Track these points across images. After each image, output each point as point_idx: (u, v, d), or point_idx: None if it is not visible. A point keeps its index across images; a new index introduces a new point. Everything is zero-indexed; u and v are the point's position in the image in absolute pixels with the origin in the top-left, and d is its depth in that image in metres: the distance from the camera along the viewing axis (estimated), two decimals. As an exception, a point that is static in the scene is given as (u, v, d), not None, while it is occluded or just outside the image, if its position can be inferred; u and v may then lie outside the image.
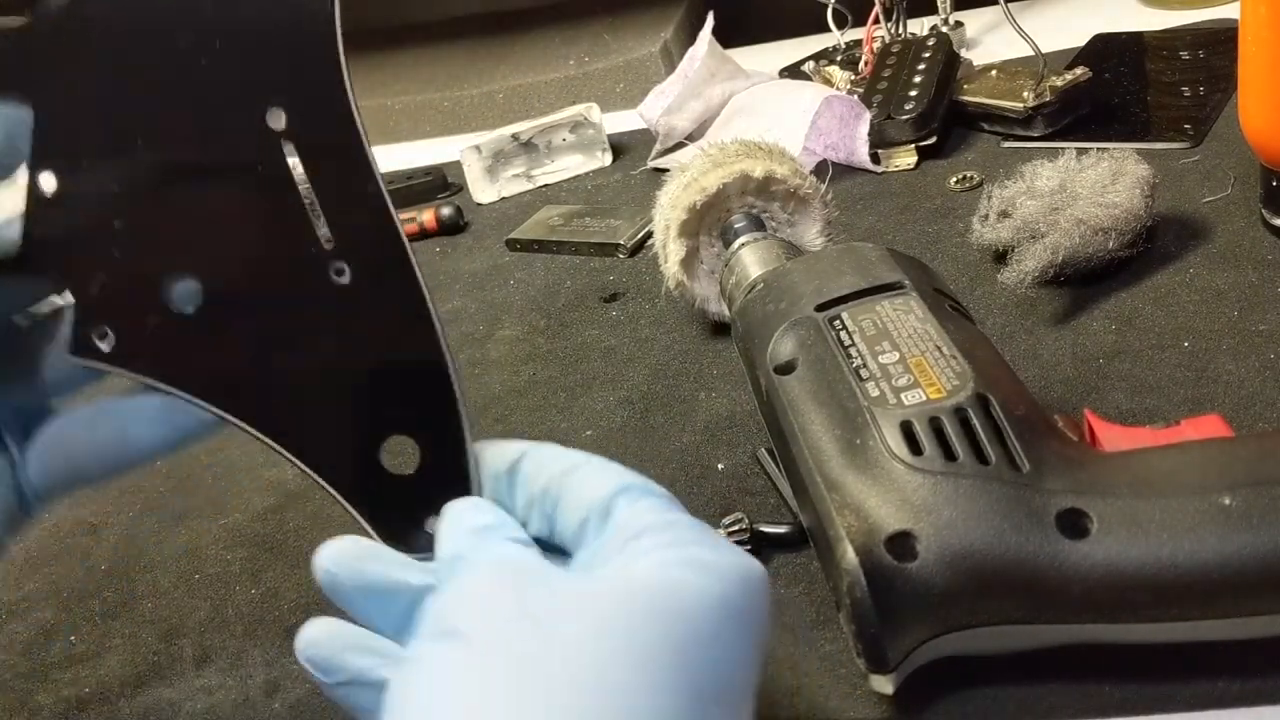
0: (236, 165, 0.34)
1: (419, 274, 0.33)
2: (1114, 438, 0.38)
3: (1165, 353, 0.49)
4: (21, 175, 0.34)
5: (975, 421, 0.35)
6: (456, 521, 0.32)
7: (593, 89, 0.98)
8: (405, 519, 0.33)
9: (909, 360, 0.38)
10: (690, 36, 0.90)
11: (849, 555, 0.33)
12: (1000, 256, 0.57)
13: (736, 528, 0.44)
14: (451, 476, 0.33)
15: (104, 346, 0.33)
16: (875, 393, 0.37)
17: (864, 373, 0.38)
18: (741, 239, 0.53)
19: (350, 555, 0.32)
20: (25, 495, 0.36)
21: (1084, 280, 0.55)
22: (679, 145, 0.82)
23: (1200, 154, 0.64)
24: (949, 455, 0.34)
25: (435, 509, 0.33)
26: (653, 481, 0.31)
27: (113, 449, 0.35)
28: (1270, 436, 0.35)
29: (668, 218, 0.57)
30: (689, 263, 0.57)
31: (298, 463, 0.33)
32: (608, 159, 0.87)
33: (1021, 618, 0.33)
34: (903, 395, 0.37)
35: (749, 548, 0.43)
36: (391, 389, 0.34)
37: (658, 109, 0.81)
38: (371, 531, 0.33)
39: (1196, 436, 0.36)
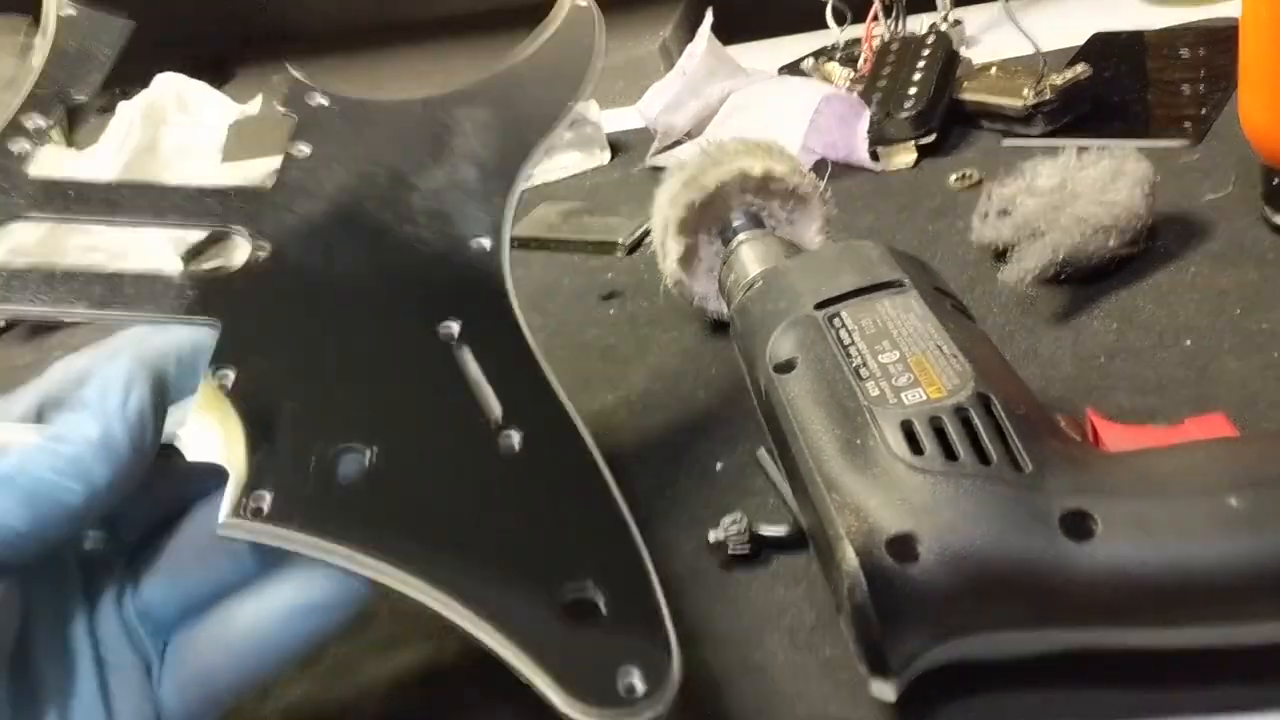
0: (411, 364, 0.36)
1: (585, 433, 0.35)
2: (1117, 437, 0.37)
3: (1167, 351, 0.49)
4: None
5: (976, 421, 0.35)
6: None
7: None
8: (596, 670, 0.30)
9: (909, 359, 0.38)
10: (689, 34, 0.89)
11: (849, 557, 0.32)
12: (1000, 255, 0.57)
13: (736, 528, 0.43)
14: (642, 619, 0.31)
15: (258, 508, 0.31)
16: (875, 392, 0.37)
17: (864, 372, 0.38)
18: (740, 237, 0.53)
19: None
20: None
21: (1084, 279, 0.54)
22: (678, 143, 0.82)
23: (1201, 152, 0.64)
24: (950, 455, 0.34)
25: (628, 655, 0.30)
26: None
27: (251, 655, 0.32)
28: (1276, 436, 0.35)
29: (666, 215, 0.56)
30: (687, 261, 0.57)
31: (473, 620, 0.30)
32: (606, 157, 0.86)
33: (1025, 622, 0.33)
34: (903, 394, 0.36)
35: (748, 548, 0.43)
36: (568, 539, 0.33)
37: (656, 107, 0.80)
38: (552, 694, 0.29)
39: (1201, 436, 0.36)
